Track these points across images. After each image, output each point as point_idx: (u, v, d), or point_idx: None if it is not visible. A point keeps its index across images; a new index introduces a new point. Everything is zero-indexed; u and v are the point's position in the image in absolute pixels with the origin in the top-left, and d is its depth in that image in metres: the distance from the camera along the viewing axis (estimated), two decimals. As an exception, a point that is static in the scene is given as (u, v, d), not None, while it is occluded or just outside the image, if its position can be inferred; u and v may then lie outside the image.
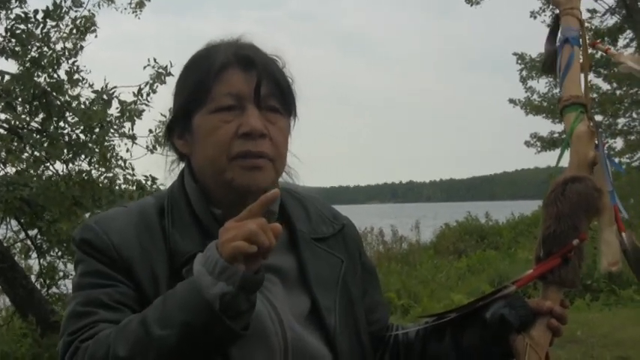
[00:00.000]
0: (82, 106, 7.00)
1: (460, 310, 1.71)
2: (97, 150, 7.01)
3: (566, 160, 1.72)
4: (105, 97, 7.12)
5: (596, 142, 1.69)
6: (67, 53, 7.30)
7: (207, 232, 1.56)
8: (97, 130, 6.95)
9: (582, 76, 1.79)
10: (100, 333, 1.39)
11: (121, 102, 7.18)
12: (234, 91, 1.55)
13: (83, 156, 7.10)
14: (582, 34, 1.81)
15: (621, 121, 22.27)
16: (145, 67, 7.32)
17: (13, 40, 6.90)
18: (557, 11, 1.87)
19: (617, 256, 1.65)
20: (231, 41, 1.65)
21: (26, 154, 7.17)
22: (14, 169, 7.12)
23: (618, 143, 22.12)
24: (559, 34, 1.83)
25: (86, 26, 7.50)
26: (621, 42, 21.01)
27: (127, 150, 7.37)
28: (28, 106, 7.03)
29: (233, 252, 1.30)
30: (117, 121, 7.21)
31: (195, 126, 1.58)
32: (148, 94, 7.31)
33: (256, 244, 1.30)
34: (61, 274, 7.85)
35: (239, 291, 1.31)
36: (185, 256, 1.50)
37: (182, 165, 1.71)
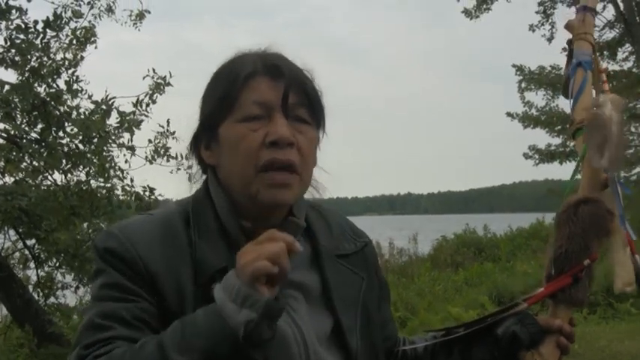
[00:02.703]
0: (81, 117, 7.00)
1: (470, 325, 1.71)
2: (95, 160, 7.00)
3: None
4: (104, 107, 7.12)
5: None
6: (66, 63, 7.31)
7: (234, 245, 1.51)
8: (95, 140, 6.94)
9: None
10: (114, 350, 1.35)
11: (120, 112, 7.19)
12: (261, 100, 1.52)
13: (82, 166, 7.09)
14: (595, 58, 1.83)
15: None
16: (144, 78, 7.34)
17: (13, 50, 6.90)
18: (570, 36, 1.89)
19: (631, 276, 1.66)
20: (259, 51, 1.62)
21: (25, 164, 7.16)
22: (13, 179, 7.12)
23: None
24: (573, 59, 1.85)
25: (86, 37, 7.52)
26: (620, 55, 21.12)
27: (126, 161, 7.38)
28: (27, 116, 7.03)
29: (255, 272, 1.28)
30: (116, 132, 7.21)
31: (222, 135, 1.54)
32: (147, 105, 7.32)
33: (278, 265, 1.29)
34: (59, 284, 7.83)
35: (262, 319, 1.28)
36: (212, 270, 1.47)
37: (201, 178, 1.67)
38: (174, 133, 7.30)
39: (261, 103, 1.52)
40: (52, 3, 7.43)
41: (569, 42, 1.88)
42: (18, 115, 7.00)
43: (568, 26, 1.91)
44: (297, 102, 1.54)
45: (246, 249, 1.33)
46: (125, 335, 1.39)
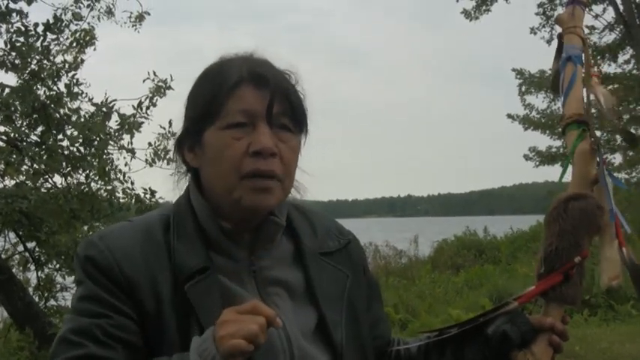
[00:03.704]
0: (82, 119, 7.00)
1: (462, 325, 1.72)
2: (95, 163, 7.00)
3: (568, 176, 1.73)
4: (104, 110, 7.12)
5: (598, 160, 1.71)
6: (66, 66, 7.30)
7: (214, 245, 1.56)
8: (95, 143, 6.94)
9: (584, 94, 1.80)
10: None
11: (120, 115, 7.18)
12: (246, 108, 1.54)
13: (82, 169, 7.08)
14: (585, 52, 1.83)
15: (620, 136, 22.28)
16: (144, 81, 7.33)
17: (13, 53, 6.90)
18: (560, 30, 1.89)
19: (617, 270, 1.66)
20: (245, 56, 1.64)
21: (25, 167, 7.15)
22: (13, 182, 7.11)
23: (617, 159, 22.17)
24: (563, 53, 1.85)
25: (86, 39, 7.51)
26: (621, 58, 21.13)
27: (126, 164, 7.37)
28: (27, 119, 7.02)
29: (232, 350, 1.31)
30: (116, 134, 7.20)
31: (206, 141, 1.57)
32: (148, 108, 7.31)
33: (254, 344, 1.32)
34: (59, 286, 7.82)
35: None
36: (190, 271, 1.50)
37: (186, 177, 1.70)
38: (175, 134, 7.25)
39: (246, 112, 1.54)
40: (52, 5, 7.43)
41: (559, 36, 1.88)
42: (18, 118, 7.00)
43: (558, 20, 1.91)
44: (281, 111, 1.57)
45: (227, 316, 1.36)
46: (96, 354, 1.43)
